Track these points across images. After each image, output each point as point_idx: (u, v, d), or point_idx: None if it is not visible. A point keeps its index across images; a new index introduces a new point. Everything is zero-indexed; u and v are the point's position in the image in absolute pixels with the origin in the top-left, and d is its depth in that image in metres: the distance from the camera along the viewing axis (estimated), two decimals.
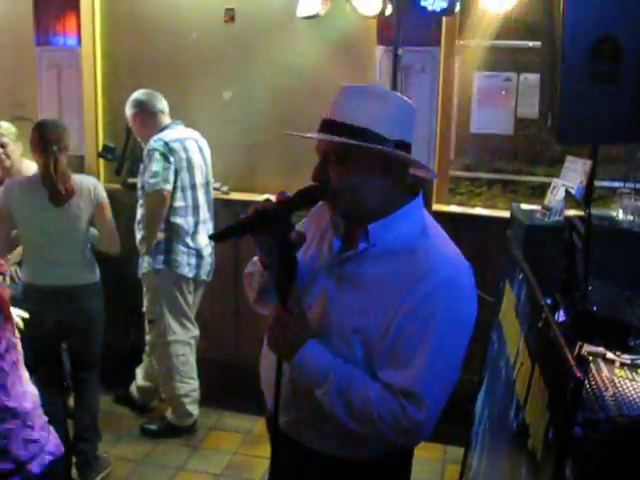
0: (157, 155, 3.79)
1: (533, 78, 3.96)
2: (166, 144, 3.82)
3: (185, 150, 3.91)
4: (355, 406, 1.66)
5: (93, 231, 3.56)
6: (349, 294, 1.75)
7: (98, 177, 4.76)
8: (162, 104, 4.00)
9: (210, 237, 1.88)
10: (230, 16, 4.53)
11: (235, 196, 4.58)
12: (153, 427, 4.19)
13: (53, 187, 3.35)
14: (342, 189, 1.72)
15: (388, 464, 1.88)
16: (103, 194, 3.55)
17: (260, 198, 4.38)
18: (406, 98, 1.83)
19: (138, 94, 3.99)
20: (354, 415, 1.67)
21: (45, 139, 3.38)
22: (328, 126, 1.72)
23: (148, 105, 3.95)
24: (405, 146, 1.74)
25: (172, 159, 3.82)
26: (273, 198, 1.76)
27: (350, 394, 1.66)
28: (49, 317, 3.42)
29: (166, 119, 3.99)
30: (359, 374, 1.68)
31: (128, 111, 3.99)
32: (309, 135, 1.76)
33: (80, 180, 3.48)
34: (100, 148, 4.68)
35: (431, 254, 1.72)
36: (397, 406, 1.62)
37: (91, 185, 3.49)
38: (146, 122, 3.96)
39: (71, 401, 3.76)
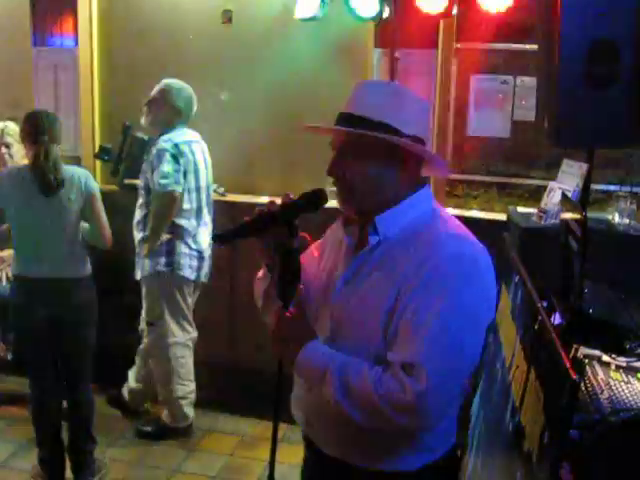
0: (168, 156, 3.77)
1: (530, 81, 3.98)
2: (176, 145, 3.81)
3: (192, 152, 3.90)
4: (355, 392, 1.61)
5: (85, 225, 3.54)
6: (364, 288, 1.73)
7: (94, 178, 4.77)
8: (192, 112, 3.98)
9: (213, 238, 1.88)
10: (228, 17, 4.54)
11: (232, 198, 4.58)
12: (148, 429, 4.18)
13: (43, 177, 3.31)
14: (359, 183, 1.72)
15: (429, 476, 1.82)
16: (94, 185, 3.50)
17: (257, 200, 4.38)
18: (421, 96, 1.84)
19: (185, 91, 3.93)
20: (356, 403, 1.62)
21: (36, 129, 3.35)
22: (346, 119, 1.72)
23: (188, 110, 3.93)
24: (420, 141, 1.74)
25: (181, 161, 3.81)
26: (277, 200, 1.76)
27: (349, 381, 1.62)
28: (39, 309, 3.40)
29: (180, 121, 3.95)
30: (357, 361, 1.65)
31: (161, 95, 3.91)
32: (330, 127, 1.76)
33: (71, 171, 3.44)
34: (96, 149, 4.67)
35: (442, 232, 1.71)
36: (394, 381, 1.57)
37: (82, 176, 3.45)
38: (169, 119, 3.91)
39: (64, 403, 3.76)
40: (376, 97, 1.73)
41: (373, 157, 1.71)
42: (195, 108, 3.99)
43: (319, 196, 1.75)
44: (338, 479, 1.88)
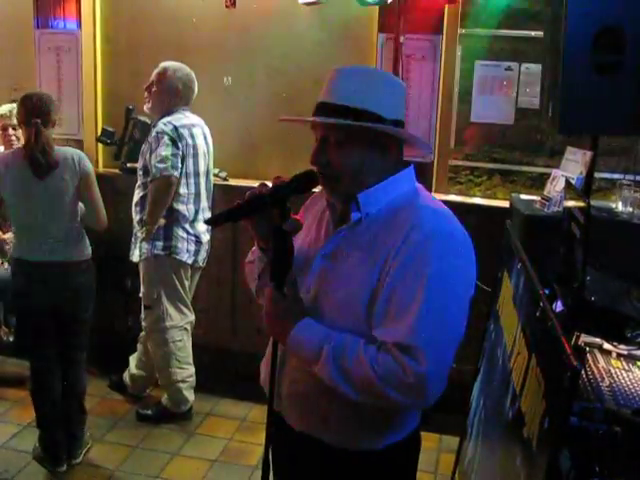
0: (167, 140, 3.75)
1: (535, 68, 3.95)
2: (175, 129, 3.79)
3: (192, 137, 3.88)
4: (353, 373, 1.61)
5: (82, 207, 3.54)
6: (345, 267, 1.74)
7: (97, 161, 4.75)
8: (193, 93, 3.96)
9: (206, 222, 1.88)
10: (231, 1, 4.50)
11: (234, 182, 4.57)
12: (149, 412, 4.19)
13: (34, 160, 3.32)
14: (344, 171, 1.72)
15: (394, 455, 1.85)
16: (88, 166, 3.49)
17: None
18: (396, 77, 1.84)
19: (188, 75, 3.91)
20: (355, 383, 1.62)
21: (28, 112, 3.35)
22: (325, 109, 1.72)
23: (188, 93, 3.91)
24: (401, 124, 1.76)
25: (180, 145, 3.79)
26: (269, 183, 1.76)
27: (346, 361, 1.62)
28: (39, 292, 3.42)
29: (181, 104, 3.93)
30: (353, 339, 1.65)
31: (163, 77, 3.87)
32: (309, 119, 1.75)
33: (64, 152, 3.44)
34: (99, 132, 4.66)
35: (421, 209, 1.72)
36: (394, 363, 1.57)
37: (75, 156, 3.44)
38: (170, 102, 3.89)
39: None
40: (353, 84, 1.73)
41: (356, 144, 1.71)
42: (195, 89, 3.96)
43: (310, 178, 1.76)
44: (300, 454, 1.91)
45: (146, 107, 3.99)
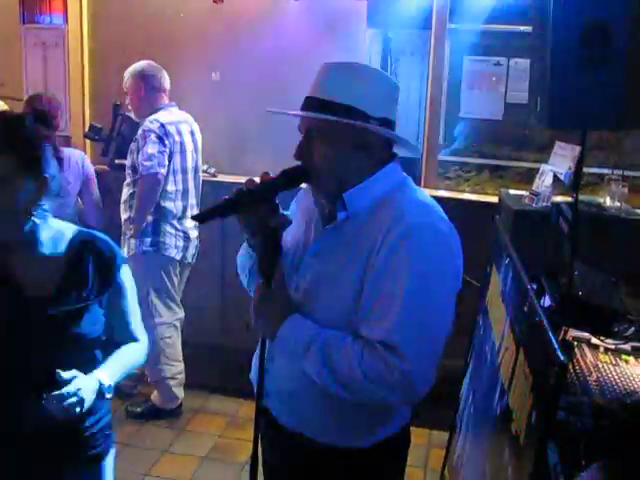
0: (153, 137, 3.73)
1: (524, 63, 3.95)
2: (162, 126, 3.77)
3: (179, 133, 3.87)
4: (340, 370, 1.60)
5: (80, 203, 3.55)
6: (333, 266, 1.73)
7: None
8: (167, 83, 3.94)
9: (193, 218, 1.86)
10: None
11: (222, 178, 4.55)
12: (138, 409, 4.18)
13: None
14: (325, 167, 1.70)
15: (384, 452, 1.84)
16: (91, 167, 3.55)
17: None
18: (389, 75, 1.82)
19: (145, 67, 3.88)
20: (342, 381, 1.61)
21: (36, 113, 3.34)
22: (311, 103, 1.70)
23: (154, 82, 3.88)
24: (389, 123, 1.73)
25: (167, 142, 3.78)
26: (257, 179, 1.75)
27: (333, 358, 1.61)
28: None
29: (165, 99, 3.92)
30: (340, 337, 1.63)
31: (129, 81, 3.88)
32: (293, 112, 1.74)
33: (68, 154, 3.45)
34: (86, 128, 4.63)
35: (405, 202, 1.70)
36: (379, 360, 1.56)
37: (79, 158, 3.48)
38: (147, 99, 3.88)
39: None
40: (342, 79, 1.71)
41: (341, 141, 1.69)
42: (163, 78, 3.91)
43: (298, 173, 1.73)
44: (288, 450, 1.89)
45: (133, 115, 4.03)
